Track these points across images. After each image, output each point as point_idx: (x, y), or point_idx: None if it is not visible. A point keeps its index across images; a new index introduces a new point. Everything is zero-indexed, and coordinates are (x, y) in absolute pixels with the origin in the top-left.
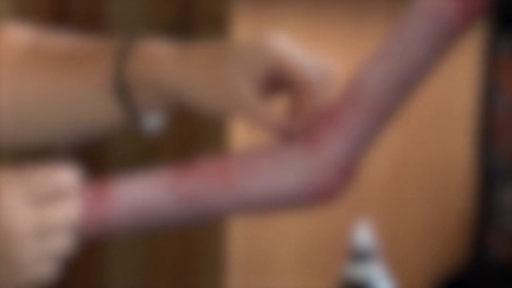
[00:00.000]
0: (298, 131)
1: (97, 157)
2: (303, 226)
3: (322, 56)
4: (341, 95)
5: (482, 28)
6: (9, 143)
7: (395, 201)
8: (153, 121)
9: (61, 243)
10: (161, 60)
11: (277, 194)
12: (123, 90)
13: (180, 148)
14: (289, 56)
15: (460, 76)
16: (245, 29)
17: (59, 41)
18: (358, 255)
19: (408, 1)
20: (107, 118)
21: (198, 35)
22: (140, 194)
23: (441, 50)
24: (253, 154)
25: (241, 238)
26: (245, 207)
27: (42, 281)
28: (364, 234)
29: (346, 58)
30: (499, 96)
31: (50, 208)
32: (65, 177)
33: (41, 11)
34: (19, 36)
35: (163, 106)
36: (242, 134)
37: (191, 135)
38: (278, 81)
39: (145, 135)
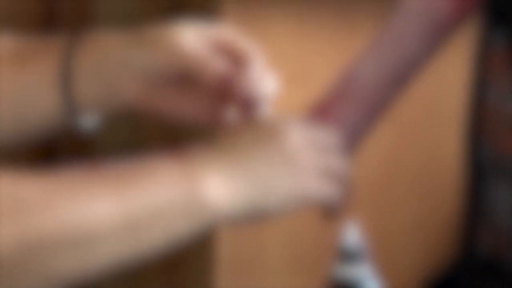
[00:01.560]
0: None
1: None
2: (291, 225)
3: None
4: (334, 89)
5: (474, 23)
6: None
7: (384, 200)
8: (92, 121)
9: (336, 162)
10: (108, 45)
11: None
12: (67, 80)
13: (168, 135)
14: (234, 35)
15: (449, 73)
16: (235, 25)
17: (7, 41)
18: (347, 255)
19: (396, 0)
20: (50, 113)
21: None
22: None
23: (434, 45)
24: None
25: (229, 238)
26: None
27: (327, 200)
28: (352, 234)
29: (335, 57)
30: (491, 91)
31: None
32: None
33: (29, 7)
34: None
35: (106, 101)
36: None
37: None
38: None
39: (81, 133)
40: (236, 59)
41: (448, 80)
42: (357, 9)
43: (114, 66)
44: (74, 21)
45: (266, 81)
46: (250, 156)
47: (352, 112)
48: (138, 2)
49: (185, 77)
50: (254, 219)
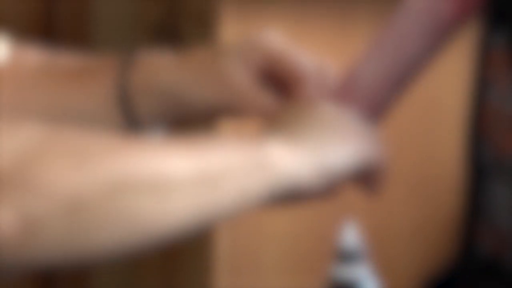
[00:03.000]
0: None
1: None
2: (290, 226)
3: (313, 55)
4: (334, 90)
5: (474, 24)
6: None
7: (383, 200)
8: (155, 132)
9: (369, 129)
10: (161, 66)
11: None
12: (125, 99)
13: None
14: (283, 49)
15: (449, 74)
16: (232, 31)
17: (67, 59)
18: (345, 256)
19: (396, 1)
20: (112, 129)
21: (185, 38)
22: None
23: (436, 46)
24: None
25: (228, 239)
26: None
27: (375, 160)
28: (351, 235)
29: (334, 59)
30: (491, 91)
31: None
32: None
33: (27, 14)
34: (32, 55)
35: (165, 115)
36: (230, 123)
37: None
38: (273, 75)
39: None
40: (288, 80)
41: (448, 81)
42: (357, 10)
43: (168, 91)
44: (73, 23)
45: (321, 83)
46: (301, 127)
47: (353, 113)
48: (137, 2)
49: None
50: (323, 181)
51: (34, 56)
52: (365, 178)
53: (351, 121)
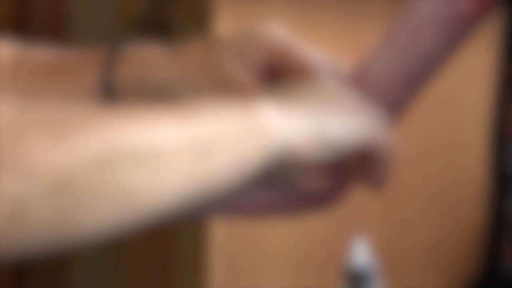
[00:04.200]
0: None
1: None
2: (293, 241)
3: (321, 50)
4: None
5: (498, 17)
6: None
7: (398, 212)
8: None
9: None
10: (152, 61)
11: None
12: (110, 96)
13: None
14: (289, 43)
15: (470, 71)
16: (228, 24)
17: (44, 53)
18: (356, 276)
19: None
20: None
21: (175, 32)
22: None
23: (454, 41)
24: None
25: (225, 238)
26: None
27: (378, 141)
28: (362, 251)
29: (343, 55)
30: None
31: None
32: None
33: (2, 6)
34: (3, 50)
35: None
36: None
37: None
38: (278, 70)
39: None
40: (295, 75)
41: (470, 79)
42: (366, 1)
43: (160, 87)
44: (49, 18)
45: (329, 75)
46: (297, 95)
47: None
48: None
49: None
50: (320, 150)
51: (4, 51)
52: (368, 166)
53: (352, 98)
